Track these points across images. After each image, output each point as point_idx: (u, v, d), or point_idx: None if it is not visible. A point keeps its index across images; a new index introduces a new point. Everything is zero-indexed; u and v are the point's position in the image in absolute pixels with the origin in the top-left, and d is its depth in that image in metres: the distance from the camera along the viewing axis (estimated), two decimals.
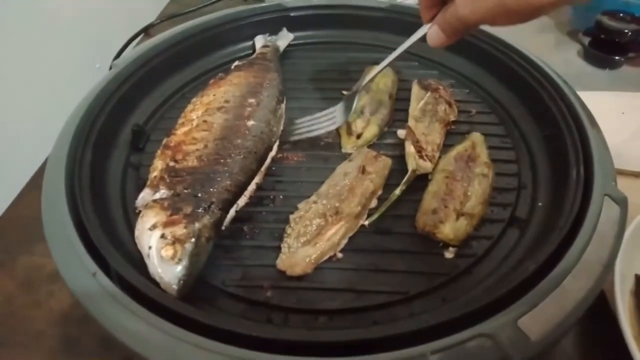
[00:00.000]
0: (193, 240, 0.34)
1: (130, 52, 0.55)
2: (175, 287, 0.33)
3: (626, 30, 0.71)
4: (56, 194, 0.38)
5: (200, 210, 0.36)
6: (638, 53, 0.72)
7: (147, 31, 0.79)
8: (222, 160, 0.40)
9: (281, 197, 0.43)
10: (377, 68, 0.46)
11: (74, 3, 0.69)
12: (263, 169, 0.43)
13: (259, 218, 0.42)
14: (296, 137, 0.48)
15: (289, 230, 0.39)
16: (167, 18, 0.81)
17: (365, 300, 0.36)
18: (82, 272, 0.33)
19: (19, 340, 0.43)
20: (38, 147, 0.56)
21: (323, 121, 0.47)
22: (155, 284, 0.34)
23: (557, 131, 0.44)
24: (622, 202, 0.37)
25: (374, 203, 0.42)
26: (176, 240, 0.34)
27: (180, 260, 0.33)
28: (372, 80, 0.48)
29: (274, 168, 0.46)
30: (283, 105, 0.50)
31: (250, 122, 0.44)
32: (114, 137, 0.48)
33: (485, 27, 0.54)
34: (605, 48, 0.73)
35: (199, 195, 0.37)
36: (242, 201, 0.41)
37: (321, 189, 0.42)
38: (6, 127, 0.56)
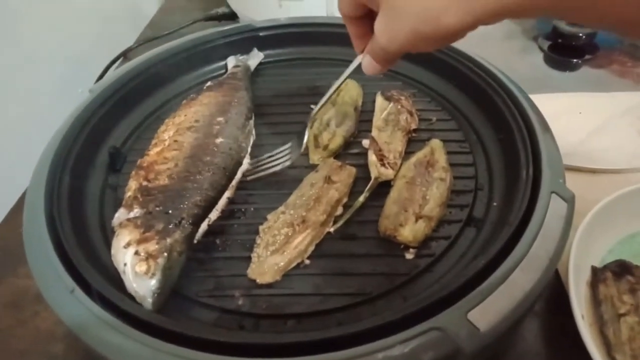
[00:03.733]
0: (165, 255, 0.36)
1: (107, 77, 0.57)
2: (150, 300, 0.35)
3: (580, 34, 0.74)
4: (36, 217, 0.40)
5: (171, 226, 0.38)
6: (594, 55, 0.76)
7: (125, 55, 0.82)
8: (191, 177, 0.42)
9: (252, 209, 0.45)
10: (318, 105, 0.47)
11: (54, 30, 0.72)
12: (234, 183, 0.45)
13: (231, 230, 0.44)
14: (254, 176, 0.48)
15: (258, 241, 0.41)
16: (144, 41, 0.84)
17: (331, 302, 0.38)
18: (61, 289, 0.35)
19: (4, 359, 0.45)
20: (23, 172, 0.58)
21: (278, 157, 0.49)
22: (133, 299, 0.36)
23: (510, 134, 0.46)
24: (569, 199, 0.40)
25: (339, 210, 0.44)
26: (149, 256, 0.36)
27: (153, 274, 0.35)
28: (317, 113, 0.49)
29: (245, 181, 0.48)
30: (251, 122, 0.52)
31: (219, 140, 0.46)
32: (92, 159, 0.50)
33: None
34: (566, 51, 0.76)
35: (170, 212, 0.39)
36: (214, 215, 0.43)
37: (289, 199, 0.44)
38: None
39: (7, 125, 0.61)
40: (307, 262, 0.41)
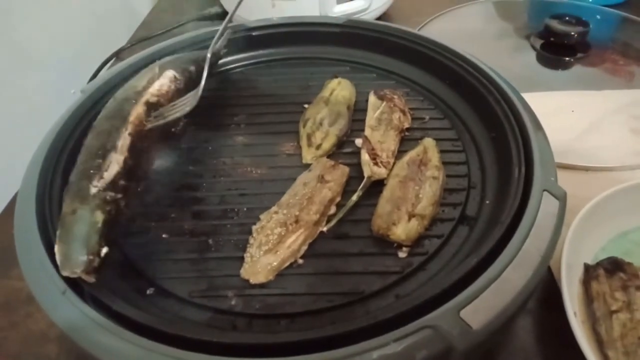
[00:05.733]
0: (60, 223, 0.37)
1: (100, 77, 0.57)
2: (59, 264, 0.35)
3: (572, 33, 0.74)
4: (28, 218, 0.40)
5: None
6: (586, 53, 0.76)
7: (118, 55, 0.81)
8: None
9: (245, 209, 0.45)
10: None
11: (46, 30, 0.71)
12: (133, 119, 0.43)
13: (224, 231, 0.44)
14: (150, 125, 0.45)
15: (251, 241, 0.41)
16: (137, 41, 0.83)
17: (324, 302, 0.38)
18: (52, 291, 0.35)
19: None
20: (14, 174, 0.58)
21: (178, 106, 0.47)
22: (124, 300, 0.36)
23: (503, 132, 0.46)
24: (561, 197, 0.40)
25: (332, 210, 0.44)
26: None
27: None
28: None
29: (237, 181, 0.48)
30: (172, 73, 0.49)
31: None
32: None
33: (440, 38, 0.58)
34: (558, 50, 0.77)
35: None
36: (119, 157, 0.41)
37: (282, 199, 0.44)
38: None
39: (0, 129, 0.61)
40: (301, 261, 0.41)
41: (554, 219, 0.38)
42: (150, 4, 1.01)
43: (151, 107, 0.45)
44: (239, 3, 0.44)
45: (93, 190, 0.38)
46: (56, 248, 0.35)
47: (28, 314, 0.48)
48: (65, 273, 0.35)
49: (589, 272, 0.44)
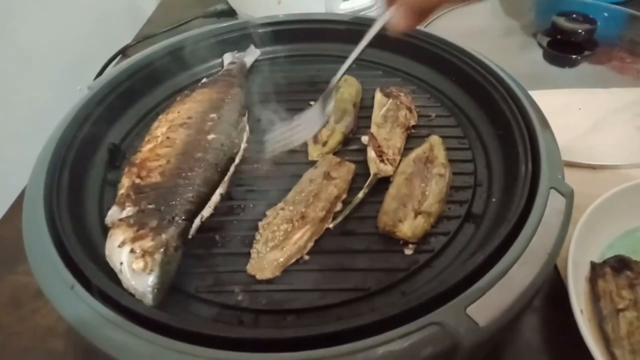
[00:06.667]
0: (162, 250, 0.36)
1: (106, 74, 0.57)
2: (150, 295, 0.35)
3: (579, 30, 0.74)
4: (36, 213, 0.40)
5: (165, 223, 0.38)
6: (593, 51, 0.76)
7: (124, 52, 0.82)
8: (183, 174, 0.42)
9: (251, 205, 0.45)
10: (340, 71, 0.46)
11: (53, 27, 0.71)
12: (227, 179, 0.46)
13: (230, 227, 0.44)
14: (272, 153, 0.47)
15: (257, 237, 0.42)
16: (143, 39, 0.84)
17: (330, 298, 0.38)
18: (61, 286, 0.35)
19: (4, 357, 0.45)
20: (22, 170, 0.58)
21: (298, 131, 0.47)
22: (133, 295, 0.36)
23: (509, 130, 0.46)
24: (568, 194, 0.40)
25: (338, 206, 0.44)
26: (145, 253, 0.36)
27: (151, 270, 0.35)
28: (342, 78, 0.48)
29: (244, 178, 0.48)
30: (245, 119, 0.52)
31: (211, 136, 0.46)
32: (91, 156, 0.50)
33: (447, 36, 0.58)
34: (565, 47, 0.76)
35: (163, 208, 0.39)
36: (207, 212, 0.43)
37: (288, 195, 0.44)
38: None
39: (6, 123, 0.61)
40: (307, 257, 0.41)
41: (561, 217, 0.38)
42: (156, 1, 1.01)
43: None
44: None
45: (190, 235, 0.40)
46: (156, 276, 0.36)
47: (35, 309, 0.48)
48: (154, 304, 0.36)
49: (596, 270, 0.44)
